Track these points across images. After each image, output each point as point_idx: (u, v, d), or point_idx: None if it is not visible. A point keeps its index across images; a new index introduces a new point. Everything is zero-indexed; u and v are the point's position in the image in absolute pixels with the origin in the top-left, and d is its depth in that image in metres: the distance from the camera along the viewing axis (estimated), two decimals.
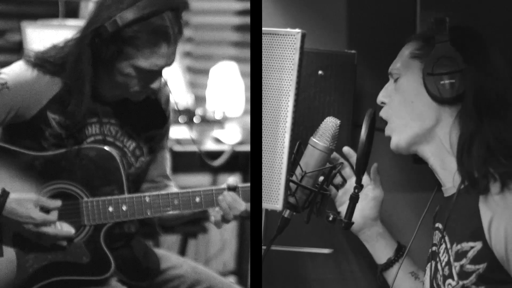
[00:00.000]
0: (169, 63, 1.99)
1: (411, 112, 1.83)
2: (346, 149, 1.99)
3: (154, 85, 2.00)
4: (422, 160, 1.89)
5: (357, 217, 1.97)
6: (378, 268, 2.00)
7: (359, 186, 1.81)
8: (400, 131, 1.85)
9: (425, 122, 1.83)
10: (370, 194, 1.99)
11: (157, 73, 1.99)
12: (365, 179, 1.99)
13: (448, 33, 1.79)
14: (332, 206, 2.01)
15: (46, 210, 1.98)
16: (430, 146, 1.84)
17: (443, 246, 1.81)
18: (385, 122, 1.90)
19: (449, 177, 1.82)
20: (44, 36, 3.37)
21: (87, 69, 1.96)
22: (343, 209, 1.98)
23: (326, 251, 2.06)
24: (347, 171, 1.99)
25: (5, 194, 1.94)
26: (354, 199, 1.83)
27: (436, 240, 1.85)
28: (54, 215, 1.98)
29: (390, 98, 1.88)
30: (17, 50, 3.55)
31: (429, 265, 1.87)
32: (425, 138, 1.84)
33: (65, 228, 2.02)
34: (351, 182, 2.00)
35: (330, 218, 1.85)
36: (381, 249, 1.99)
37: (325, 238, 2.12)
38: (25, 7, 3.88)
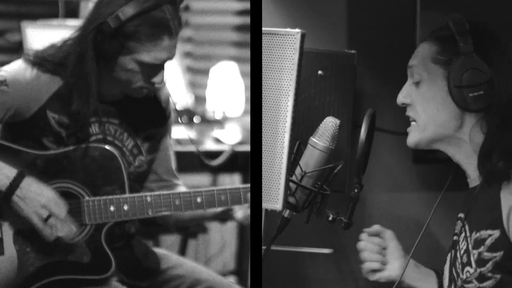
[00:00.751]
0: (170, 57, 1.99)
1: (437, 119, 1.83)
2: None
3: (157, 79, 2.01)
4: (422, 160, 1.90)
5: (395, 271, 1.96)
6: None
7: (359, 186, 1.82)
8: (421, 131, 1.85)
9: (448, 128, 1.83)
10: (396, 253, 1.99)
11: (160, 67, 2.00)
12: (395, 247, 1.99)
13: (471, 39, 1.78)
14: (332, 206, 2.01)
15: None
16: (453, 146, 1.85)
17: (463, 234, 1.82)
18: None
19: (474, 169, 1.82)
20: (44, 36, 3.36)
21: (92, 67, 1.96)
22: (383, 275, 1.98)
23: (326, 251, 2.07)
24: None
25: (21, 175, 1.92)
26: (353, 199, 1.83)
27: (457, 230, 1.86)
28: (63, 213, 1.97)
29: (412, 99, 1.87)
30: (17, 50, 3.54)
31: (449, 254, 1.87)
32: (447, 139, 1.84)
33: (66, 228, 2.02)
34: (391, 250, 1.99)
35: (330, 218, 1.85)
36: (426, 284, 1.98)
37: (325, 238, 2.12)
38: (25, 7, 3.88)
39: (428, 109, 1.84)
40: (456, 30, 1.79)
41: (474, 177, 1.84)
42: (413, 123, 1.87)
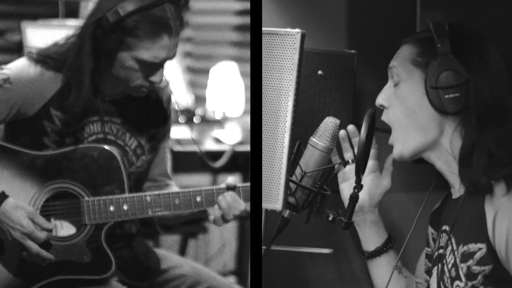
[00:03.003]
0: (170, 56, 1.99)
1: (414, 122, 1.82)
2: (351, 127, 1.97)
3: (155, 78, 2.00)
4: (422, 160, 1.89)
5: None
6: (364, 254, 2.00)
7: (359, 186, 1.81)
8: (403, 141, 1.84)
9: (429, 134, 1.81)
10: (377, 182, 1.98)
11: (159, 66, 2.00)
12: (374, 165, 1.98)
13: (448, 40, 1.78)
14: (332, 206, 2.01)
15: (38, 227, 1.97)
16: (435, 152, 1.83)
17: (449, 248, 1.80)
18: (386, 124, 1.89)
19: (457, 179, 1.82)
20: (44, 36, 3.37)
21: (87, 60, 1.96)
22: (344, 186, 1.97)
23: (326, 251, 2.06)
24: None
25: (3, 196, 1.94)
26: (354, 199, 1.83)
27: (443, 243, 1.84)
28: (42, 234, 1.97)
29: (390, 102, 1.87)
30: (17, 50, 3.55)
31: (435, 268, 1.86)
32: (429, 147, 1.83)
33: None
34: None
35: (330, 218, 1.85)
36: (371, 237, 1.98)
37: (325, 238, 2.12)
38: (25, 7, 3.89)
39: (405, 111, 1.83)
40: (434, 30, 1.79)
41: (457, 188, 1.83)
42: (392, 134, 1.86)
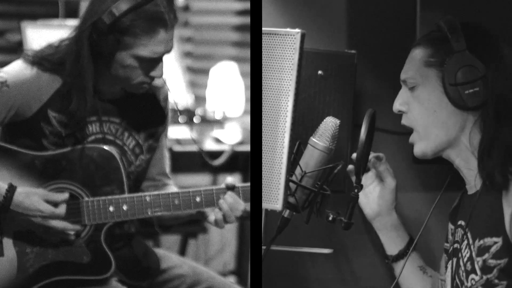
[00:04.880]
0: (168, 50, 1.99)
1: (435, 121, 1.83)
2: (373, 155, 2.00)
3: (156, 73, 2.00)
4: (422, 160, 1.90)
5: (373, 204, 1.98)
6: (388, 258, 2.01)
7: (359, 186, 1.81)
8: (426, 139, 1.85)
9: (450, 130, 1.83)
10: (379, 188, 2.00)
11: (158, 61, 2.00)
12: (370, 177, 2.00)
13: (463, 37, 1.78)
14: (332, 206, 2.01)
15: (53, 204, 1.98)
16: (455, 150, 1.85)
17: (465, 242, 1.82)
18: (400, 127, 1.90)
19: (473, 175, 1.83)
20: (44, 36, 3.36)
21: (88, 65, 1.97)
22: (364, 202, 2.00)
23: (326, 251, 2.06)
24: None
25: (13, 188, 1.95)
26: (354, 199, 1.83)
27: (458, 237, 1.86)
28: (62, 209, 1.98)
29: (408, 106, 1.87)
30: (17, 50, 3.55)
31: (450, 262, 1.87)
32: (450, 144, 1.84)
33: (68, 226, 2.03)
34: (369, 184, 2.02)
35: (330, 218, 1.85)
36: (393, 240, 2.00)
37: (325, 238, 2.12)
38: (25, 7, 3.89)
39: (425, 112, 1.84)
40: (447, 29, 1.80)
41: (473, 184, 1.84)
42: (413, 133, 1.87)
